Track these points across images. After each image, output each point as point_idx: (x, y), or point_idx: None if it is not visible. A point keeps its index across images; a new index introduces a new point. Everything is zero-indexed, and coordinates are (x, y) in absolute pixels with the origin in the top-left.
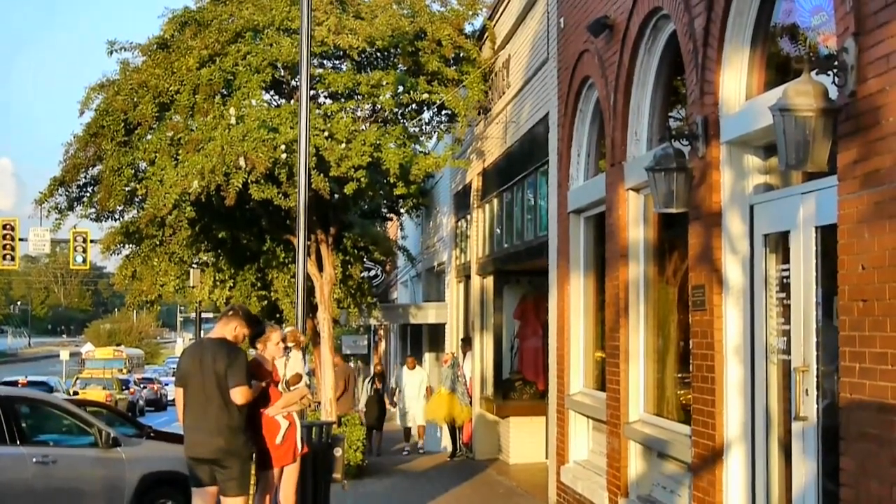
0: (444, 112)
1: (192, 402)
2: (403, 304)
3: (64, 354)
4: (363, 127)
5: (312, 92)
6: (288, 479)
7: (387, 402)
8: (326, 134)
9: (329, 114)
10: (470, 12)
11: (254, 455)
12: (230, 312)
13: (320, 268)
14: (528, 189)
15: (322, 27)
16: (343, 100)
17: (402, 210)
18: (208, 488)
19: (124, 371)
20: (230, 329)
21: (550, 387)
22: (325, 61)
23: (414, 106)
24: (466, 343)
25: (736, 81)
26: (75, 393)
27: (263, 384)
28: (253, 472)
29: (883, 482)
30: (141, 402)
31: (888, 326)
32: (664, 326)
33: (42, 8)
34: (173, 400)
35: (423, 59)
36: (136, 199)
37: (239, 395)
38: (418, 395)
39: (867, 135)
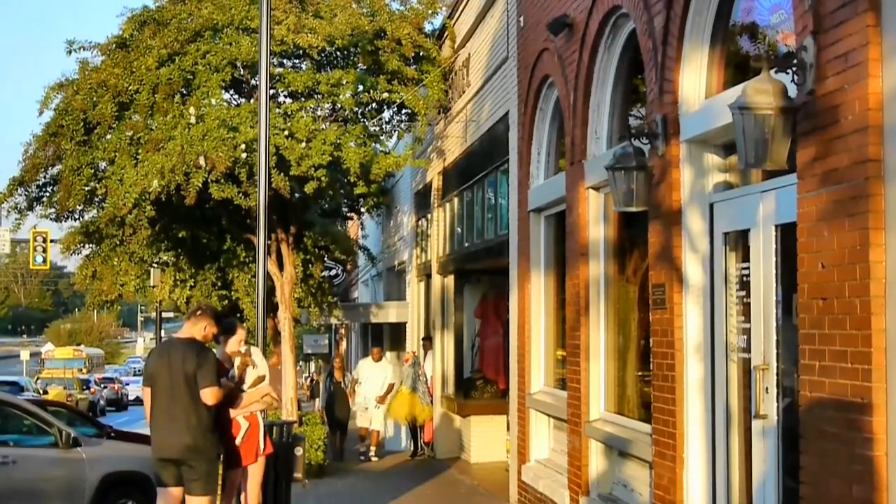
0: (404, 111)
1: (159, 401)
2: (364, 303)
3: (24, 354)
4: (323, 126)
5: (272, 91)
6: (252, 479)
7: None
8: (286, 133)
9: (289, 113)
10: (429, 11)
11: (221, 455)
12: (198, 312)
13: (281, 267)
14: (488, 188)
15: (281, 26)
16: (303, 99)
17: (362, 209)
18: (173, 490)
19: (84, 371)
20: (199, 329)
21: (511, 385)
22: (284, 60)
23: (374, 105)
24: (427, 342)
25: (695, 80)
26: (44, 392)
27: (232, 383)
28: (220, 472)
29: (842, 480)
30: (102, 402)
31: (848, 324)
32: (625, 325)
33: None
34: (134, 400)
35: (382, 58)
36: (96, 199)
37: (210, 395)
38: (381, 392)
39: (826, 133)
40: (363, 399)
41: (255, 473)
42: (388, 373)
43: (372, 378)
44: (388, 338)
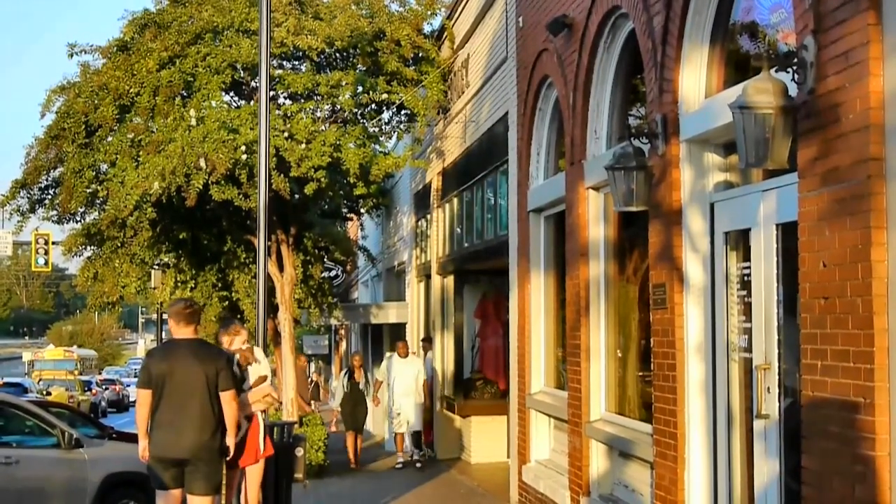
0: (403, 112)
1: (169, 402)
2: (364, 303)
3: (26, 356)
4: (323, 127)
5: (272, 93)
6: (252, 480)
7: (368, 400)
8: (286, 134)
9: (289, 114)
10: (429, 12)
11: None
12: (191, 311)
13: (281, 268)
14: (487, 188)
15: (281, 28)
16: (302, 100)
17: (362, 210)
18: (173, 491)
19: (76, 372)
20: (193, 328)
21: (511, 386)
22: (284, 62)
23: (373, 106)
24: (427, 342)
25: (695, 79)
26: (48, 394)
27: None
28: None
29: (845, 480)
30: (103, 404)
31: (849, 324)
32: (625, 325)
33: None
34: (135, 401)
35: (382, 60)
36: (98, 201)
37: (231, 398)
38: (413, 392)
39: (827, 132)
40: (395, 403)
41: (255, 474)
42: (420, 368)
43: (403, 376)
44: (387, 338)
